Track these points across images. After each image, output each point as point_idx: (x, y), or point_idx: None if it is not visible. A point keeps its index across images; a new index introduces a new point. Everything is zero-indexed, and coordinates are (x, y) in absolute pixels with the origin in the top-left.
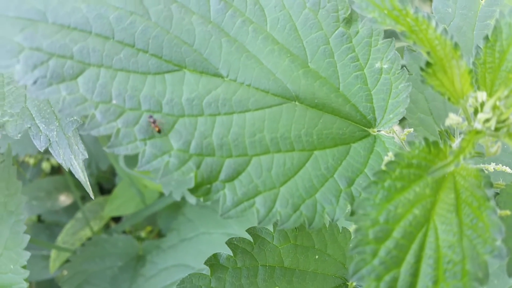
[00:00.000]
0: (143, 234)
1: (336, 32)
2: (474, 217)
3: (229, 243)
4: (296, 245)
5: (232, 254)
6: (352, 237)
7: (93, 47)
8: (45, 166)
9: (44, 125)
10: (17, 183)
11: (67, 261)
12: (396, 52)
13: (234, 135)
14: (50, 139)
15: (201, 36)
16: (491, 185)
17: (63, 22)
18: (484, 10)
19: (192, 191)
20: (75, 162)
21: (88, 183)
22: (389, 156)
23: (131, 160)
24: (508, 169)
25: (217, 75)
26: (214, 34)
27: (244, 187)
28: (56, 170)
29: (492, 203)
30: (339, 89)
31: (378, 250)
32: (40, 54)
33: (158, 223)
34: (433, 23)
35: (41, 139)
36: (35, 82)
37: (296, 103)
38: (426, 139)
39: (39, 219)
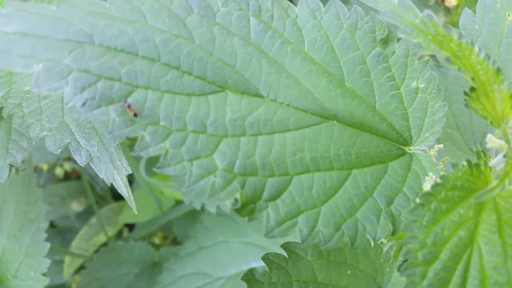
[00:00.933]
0: (156, 240)
1: (373, 52)
2: None
3: (265, 258)
4: (329, 260)
5: (267, 269)
6: (399, 259)
7: (141, 70)
8: (59, 171)
9: (84, 140)
10: (38, 191)
11: (82, 267)
12: (432, 72)
13: (276, 154)
14: (91, 154)
15: (243, 58)
16: None
17: (110, 44)
18: (511, 26)
19: (238, 211)
20: (117, 177)
21: (132, 198)
22: (430, 177)
23: (150, 168)
24: None
25: (258, 95)
26: (254, 55)
27: (286, 206)
28: (69, 175)
29: None
30: (375, 107)
31: (427, 272)
32: (89, 76)
33: (173, 229)
34: (476, 49)
35: (82, 154)
36: (84, 104)
37: (334, 122)
38: (469, 162)
39: (51, 224)
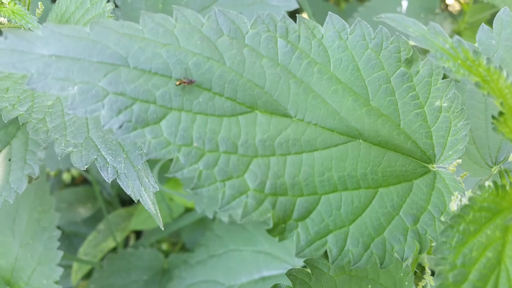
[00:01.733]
0: (165, 246)
1: (398, 71)
2: None
3: (289, 274)
4: (351, 275)
5: (291, 285)
6: (435, 279)
7: (175, 92)
8: (66, 177)
9: (111, 157)
10: (51, 199)
11: (91, 273)
12: (456, 91)
13: (305, 174)
14: (118, 171)
15: (271, 79)
16: None
17: (144, 67)
18: None
19: (270, 231)
20: (145, 194)
21: (159, 215)
22: (455, 196)
23: (161, 175)
24: None
25: (286, 115)
26: (282, 76)
27: (316, 226)
28: (75, 180)
29: None
30: (400, 126)
31: None
32: (124, 99)
33: (181, 236)
34: (504, 73)
35: (109, 170)
36: (120, 127)
37: (361, 141)
38: (495, 183)
39: (58, 229)
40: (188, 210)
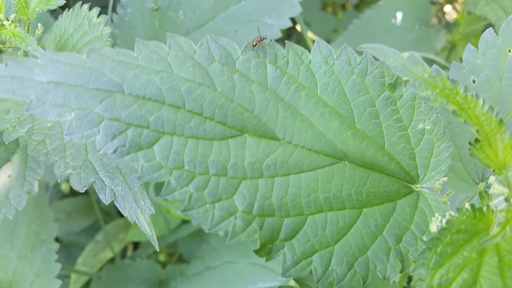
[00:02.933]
0: (162, 257)
1: (382, 95)
2: None
3: None
4: None
5: None
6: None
7: (167, 117)
8: (64, 187)
9: (108, 179)
10: (49, 213)
11: (89, 283)
12: (439, 115)
13: (292, 195)
14: (116, 193)
15: (260, 103)
16: None
17: (138, 93)
18: None
19: (257, 252)
20: (141, 216)
21: (155, 237)
22: (436, 217)
23: (158, 188)
24: None
25: (275, 138)
26: (271, 100)
27: (302, 246)
28: (74, 191)
29: None
30: (384, 147)
31: None
32: (119, 124)
33: (178, 247)
34: (481, 101)
35: (106, 192)
36: (115, 151)
37: (346, 162)
38: (473, 206)
39: (57, 239)
40: (184, 221)
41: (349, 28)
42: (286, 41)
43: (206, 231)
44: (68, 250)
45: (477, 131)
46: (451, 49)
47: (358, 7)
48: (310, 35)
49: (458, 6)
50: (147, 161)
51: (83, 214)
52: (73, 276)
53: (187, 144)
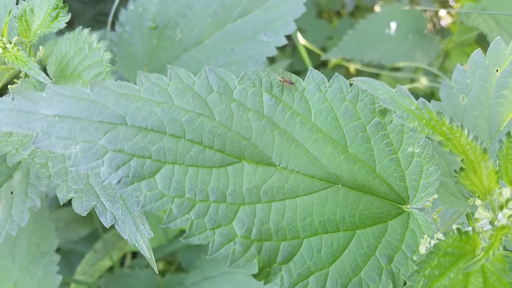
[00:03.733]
0: (160, 266)
1: (373, 121)
2: None
3: None
4: None
5: None
6: None
7: (168, 147)
8: None
9: (109, 203)
10: (50, 225)
11: None
12: (427, 139)
13: (288, 219)
14: (116, 217)
15: (257, 131)
16: None
17: (141, 125)
18: (500, 81)
19: (256, 276)
20: (140, 239)
21: (154, 260)
22: (425, 239)
23: None
24: None
25: (271, 164)
26: (267, 127)
27: (298, 269)
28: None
29: None
30: (376, 170)
31: None
32: (123, 155)
33: (177, 256)
34: (466, 131)
35: (107, 216)
36: (119, 182)
37: (339, 186)
38: (459, 230)
39: (56, 248)
40: (183, 231)
41: (344, 38)
42: (280, 70)
43: (207, 257)
44: (67, 258)
45: (462, 160)
46: (445, 57)
47: (353, 14)
48: (303, 42)
49: (452, 11)
50: (149, 190)
51: (81, 223)
52: (73, 286)
53: (188, 173)
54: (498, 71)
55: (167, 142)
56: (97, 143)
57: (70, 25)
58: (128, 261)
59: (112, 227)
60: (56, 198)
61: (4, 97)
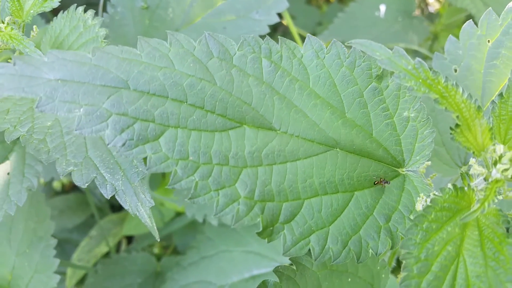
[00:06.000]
0: (156, 250)
1: (369, 86)
2: (496, 251)
3: (276, 271)
4: (332, 270)
5: (278, 281)
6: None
7: (171, 111)
8: (56, 185)
9: (109, 175)
10: (46, 209)
11: (85, 278)
12: (422, 103)
13: (289, 181)
14: (116, 188)
15: (257, 96)
16: (508, 222)
17: (143, 89)
18: (491, 51)
19: (260, 234)
20: (141, 209)
21: (155, 227)
22: (421, 197)
23: (153, 182)
24: None
25: (272, 128)
26: (267, 93)
27: (300, 228)
28: (65, 188)
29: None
30: (372, 135)
31: (421, 283)
32: (126, 119)
33: (173, 239)
34: (460, 89)
35: (107, 187)
36: (123, 144)
37: (338, 149)
38: (455, 186)
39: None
40: (178, 214)
41: (334, 21)
42: (279, 37)
43: (212, 216)
44: (62, 247)
45: (457, 117)
46: (433, 39)
47: (342, 0)
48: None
49: None
50: (154, 153)
51: (75, 210)
52: (69, 271)
53: (191, 136)
54: (490, 41)
55: (169, 106)
56: (100, 106)
57: (64, 8)
58: (123, 247)
59: (106, 214)
60: (50, 186)
61: (6, 63)
